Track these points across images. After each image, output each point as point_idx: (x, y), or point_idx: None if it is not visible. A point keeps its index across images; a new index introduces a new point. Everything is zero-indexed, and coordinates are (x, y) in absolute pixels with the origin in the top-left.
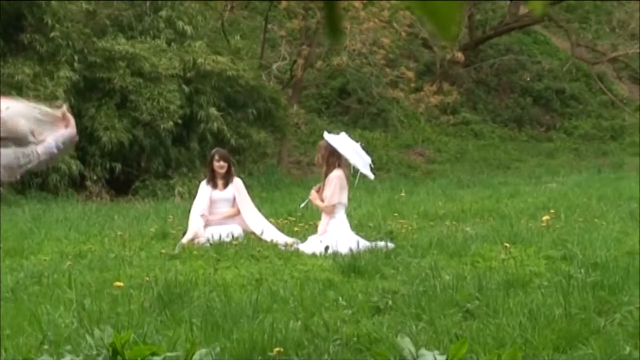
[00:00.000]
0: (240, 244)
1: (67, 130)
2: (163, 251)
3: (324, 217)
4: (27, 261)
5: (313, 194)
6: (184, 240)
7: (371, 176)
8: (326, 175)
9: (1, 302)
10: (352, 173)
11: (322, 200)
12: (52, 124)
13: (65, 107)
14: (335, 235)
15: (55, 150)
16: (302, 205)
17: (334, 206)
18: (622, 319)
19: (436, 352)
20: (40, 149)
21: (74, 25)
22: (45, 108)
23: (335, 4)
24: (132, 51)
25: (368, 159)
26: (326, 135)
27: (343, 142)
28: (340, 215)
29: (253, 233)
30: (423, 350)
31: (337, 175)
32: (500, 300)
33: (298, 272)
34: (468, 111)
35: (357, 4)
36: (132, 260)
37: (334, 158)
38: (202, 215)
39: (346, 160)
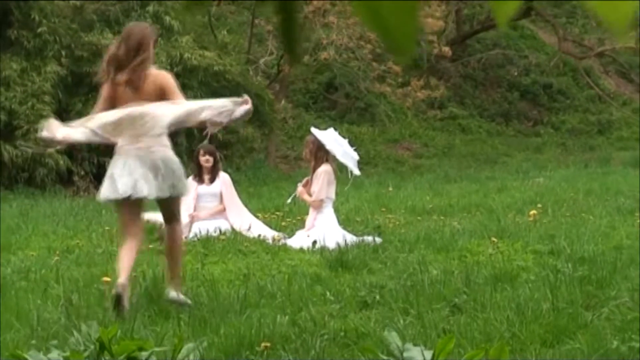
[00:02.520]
0: (228, 239)
1: (246, 106)
2: (150, 246)
3: (311, 211)
4: (14, 256)
5: (300, 189)
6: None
7: (357, 172)
8: (314, 169)
9: None
10: (348, 175)
11: (310, 195)
12: (239, 104)
13: (246, 96)
14: (323, 229)
15: (238, 116)
16: (289, 200)
17: (321, 201)
18: (609, 313)
19: (423, 346)
20: (233, 115)
21: (61, 20)
22: (235, 98)
23: (294, 19)
24: None
25: (355, 155)
26: (313, 130)
27: (330, 137)
28: (328, 210)
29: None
30: (408, 345)
31: (325, 170)
32: (487, 295)
33: (286, 267)
34: (455, 106)
35: None
36: None
37: (322, 153)
38: (190, 215)
39: (333, 155)
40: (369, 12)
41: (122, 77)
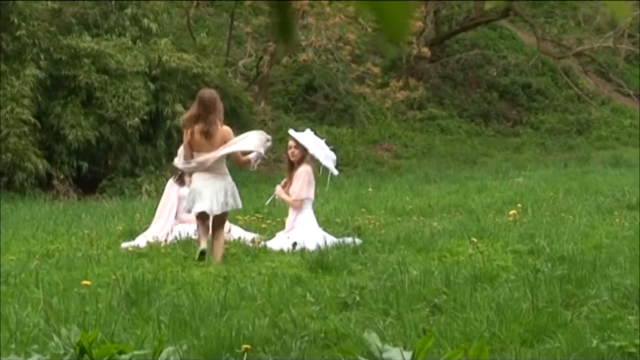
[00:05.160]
0: (208, 242)
1: (269, 142)
2: (130, 249)
3: (291, 212)
4: None
5: (279, 189)
6: (150, 238)
7: (335, 172)
8: (295, 169)
9: None
10: (322, 172)
11: (289, 195)
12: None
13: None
14: (303, 231)
15: (263, 151)
16: (268, 201)
17: (302, 201)
18: (588, 312)
19: (403, 347)
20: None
21: (39, 23)
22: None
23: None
24: (97, 48)
25: (333, 155)
26: (292, 132)
27: (310, 140)
28: (308, 211)
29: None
30: (387, 346)
31: (305, 170)
32: (467, 295)
33: (266, 268)
34: (434, 106)
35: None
36: (100, 259)
37: (304, 153)
38: (176, 220)
39: (317, 159)
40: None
41: (199, 128)
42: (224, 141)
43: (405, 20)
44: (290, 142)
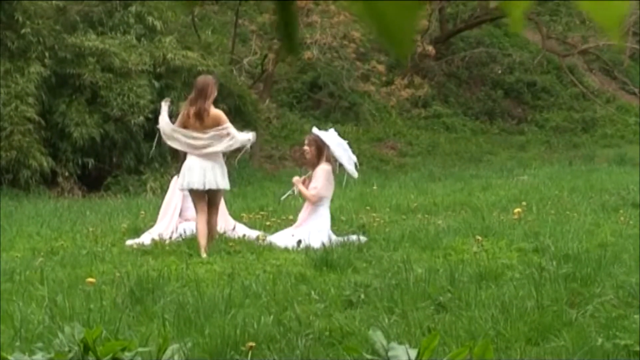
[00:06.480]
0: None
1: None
2: (135, 246)
3: (306, 207)
4: None
5: (297, 178)
6: (155, 236)
7: (355, 175)
8: (314, 167)
9: None
10: (338, 171)
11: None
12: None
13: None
14: (311, 228)
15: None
16: (285, 197)
17: (320, 198)
18: (594, 310)
19: (408, 345)
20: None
21: (44, 21)
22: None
23: (292, 18)
24: (102, 47)
25: (354, 158)
26: (315, 129)
27: (334, 141)
28: (323, 210)
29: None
30: (393, 344)
31: (326, 169)
32: (472, 293)
33: (270, 266)
34: (439, 104)
35: None
36: (104, 256)
37: (324, 151)
38: (180, 218)
39: (332, 155)
40: (367, 10)
41: (193, 110)
42: (216, 123)
43: (408, 30)
44: (305, 142)
